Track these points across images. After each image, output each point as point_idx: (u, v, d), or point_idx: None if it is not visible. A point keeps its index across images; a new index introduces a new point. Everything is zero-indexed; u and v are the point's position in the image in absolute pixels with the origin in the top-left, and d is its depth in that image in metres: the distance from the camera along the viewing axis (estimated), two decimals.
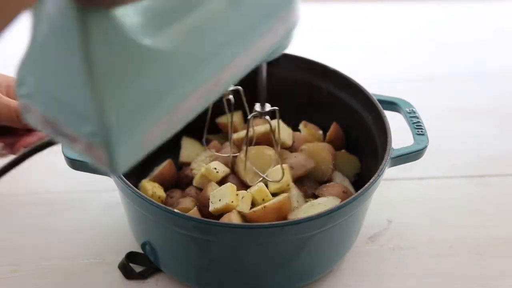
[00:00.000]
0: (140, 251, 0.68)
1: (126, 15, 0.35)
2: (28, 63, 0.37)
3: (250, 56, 0.44)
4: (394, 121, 0.69)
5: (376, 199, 0.66)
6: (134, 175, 0.70)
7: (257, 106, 0.61)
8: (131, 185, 0.59)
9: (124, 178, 0.60)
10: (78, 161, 0.62)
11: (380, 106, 0.69)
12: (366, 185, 0.60)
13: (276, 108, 0.62)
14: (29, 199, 0.77)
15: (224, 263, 0.62)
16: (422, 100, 0.78)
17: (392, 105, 0.72)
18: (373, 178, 0.60)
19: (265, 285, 0.64)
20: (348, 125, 0.75)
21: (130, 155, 0.38)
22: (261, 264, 0.61)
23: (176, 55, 0.38)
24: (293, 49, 0.77)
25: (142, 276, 0.67)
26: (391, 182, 0.79)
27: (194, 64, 0.39)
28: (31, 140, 0.63)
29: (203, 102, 0.42)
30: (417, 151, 0.65)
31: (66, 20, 0.34)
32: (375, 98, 0.70)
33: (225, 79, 0.43)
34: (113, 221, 0.74)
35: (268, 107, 0.61)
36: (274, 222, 0.60)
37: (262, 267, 0.62)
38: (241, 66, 0.44)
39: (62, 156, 0.63)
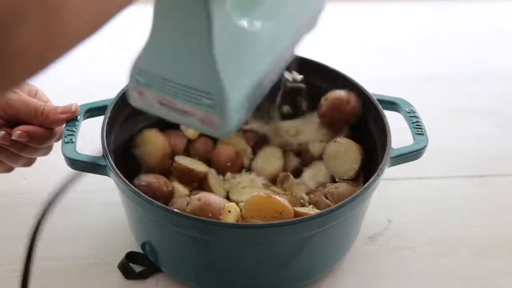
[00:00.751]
0: (140, 251, 0.68)
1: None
2: (147, 55, 0.44)
3: (297, 35, 0.53)
4: (394, 121, 0.69)
5: (375, 199, 0.66)
6: (132, 175, 0.70)
7: (287, 73, 0.70)
8: (131, 185, 0.60)
9: (123, 178, 0.60)
10: (78, 161, 0.62)
11: (380, 106, 0.69)
12: (366, 185, 0.60)
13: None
14: (29, 199, 0.77)
15: (224, 263, 0.62)
16: (422, 100, 0.78)
17: (392, 105, 0.72)
18: (373, 177, 0.60)
19: (264, 285, 0.64)
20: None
21: (237, 118, 0.45)
22: (261, 264, 0.61)
23: (262, 35, 0.47)
24: None
25: (142, 276, 0.67)
26: (390, 182, 0.79)
27: (272, 41, 0.48)
28: (25, 128, 0.64)
29: (271, 77, 0.50)
30: (417, 150, 0.65)
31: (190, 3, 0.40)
32: (375, 98, 0.70)
33: (285, 56, 0.52)
34: (113, 221, 0.74)
35: (296, 74, 0.71)
36: (273, 222, 0.60)
37: (262, 267, 0.62)
38: (292, 44, 0.53)
39: (62, 156, 0.63)
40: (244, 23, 0.45)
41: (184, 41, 0.42)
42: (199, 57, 0.42)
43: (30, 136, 0.64)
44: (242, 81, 0.45)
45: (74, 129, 0.65)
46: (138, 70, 0.45)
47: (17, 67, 0.32)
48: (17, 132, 0.63)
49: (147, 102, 0.46)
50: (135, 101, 0.47)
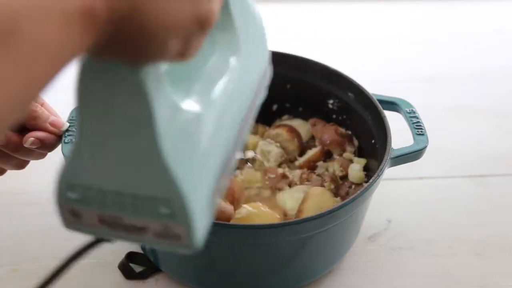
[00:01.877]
0: (140, 251, 0.68)
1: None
2: (77, 164, 0.36)
3: (251, 114, 0.48)
4: (394, 121, 0.69)
5: (376, 199, 0.66)
6: None
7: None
8: None
9: None
10: None
11: (380, 106, 0.69)
12: (366, 185, 0.60)
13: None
14: (29, 199, 0.77)
15: (224, 263, 0.62)
16: (422, 100, 0.78)
17: (392, 105, 0.72)
18: (373, 178, 0.60)
19: (264, 285, 0.64)
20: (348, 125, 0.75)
21: (204, 225, 0.38)
22: (261, 264, 0.61)
23: (212, 117, 0.39)
24: (293, 49, 0.77)
25: (142, 276, 0.67)
26: (391, 182, 0.79)
27: (225, 118, 0.41)
28: (38, 134, 0.62)
29: (233, 160, 0.44)
30: (417, 151, 0.65)
31: (124, 85, 0.33)
32: (375, 98, 0.70)
33: (243, 136, 0.46)
34: None
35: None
36: (274, 223, 0.60)
37: (262, 267, 0.62)
38: (247, 124, 0.47)
39: (62, 156, 0.63)
40: (187, 103, 0.37)
41: (121, 138, 0.34)
42: (144, 155, 0.34)
43: (42, 143, 0.62)
44: (201, 174, 0.38)
45: (74, 129, 0.65)
46: (67, 184, 0.36)
47: None
48: (30, 139, 0.61)
49: (86, 222, 0.38)
50: (70, 223, 0.38)
